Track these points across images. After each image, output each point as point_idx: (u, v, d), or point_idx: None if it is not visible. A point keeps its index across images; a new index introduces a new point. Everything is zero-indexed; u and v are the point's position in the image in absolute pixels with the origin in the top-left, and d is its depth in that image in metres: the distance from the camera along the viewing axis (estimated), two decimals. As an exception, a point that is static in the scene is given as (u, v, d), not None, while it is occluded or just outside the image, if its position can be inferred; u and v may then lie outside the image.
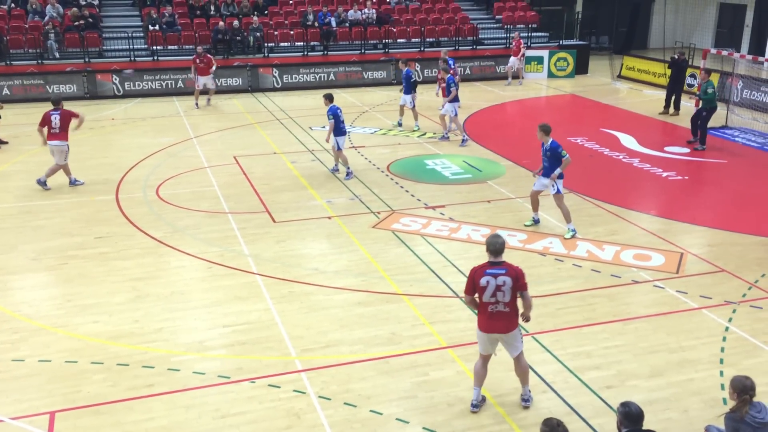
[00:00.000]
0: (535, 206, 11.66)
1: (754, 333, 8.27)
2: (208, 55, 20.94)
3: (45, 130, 13.37)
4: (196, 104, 20.86)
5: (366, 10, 25.84)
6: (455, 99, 16.49)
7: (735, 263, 10.17)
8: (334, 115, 13.75)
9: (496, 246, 6.53)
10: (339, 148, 14.03)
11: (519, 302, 6.67)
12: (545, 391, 7.19)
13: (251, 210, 12.37)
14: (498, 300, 6.49)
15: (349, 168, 14.10)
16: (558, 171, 10.87)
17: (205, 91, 21.05)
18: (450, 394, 7.15)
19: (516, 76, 24.89)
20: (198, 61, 20.52)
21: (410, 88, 18.02)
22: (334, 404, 6.98)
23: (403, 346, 8.04)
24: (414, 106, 18.16)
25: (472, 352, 7.83)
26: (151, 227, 11.55)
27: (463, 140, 16.70)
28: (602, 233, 11.28)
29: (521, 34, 26.45)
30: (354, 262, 10.29)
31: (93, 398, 7.08)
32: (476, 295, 6.58)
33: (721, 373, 7.46)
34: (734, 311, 8.79)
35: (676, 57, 20.01)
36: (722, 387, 7.22)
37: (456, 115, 16.70)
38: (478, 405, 6.89)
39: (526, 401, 6.92)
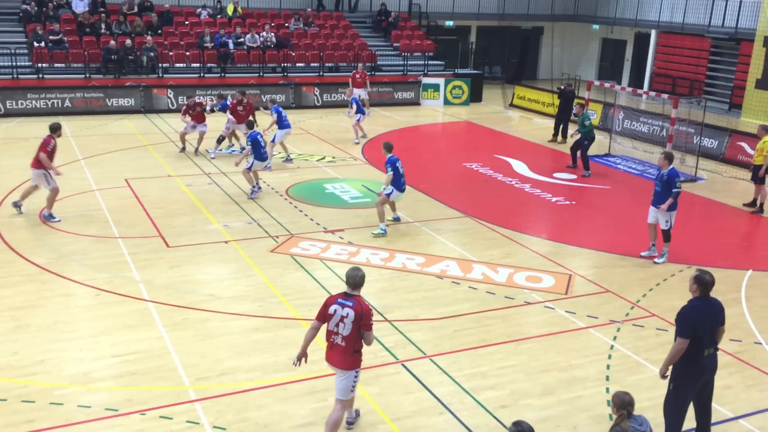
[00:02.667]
0: (392, 207, 12.82)
1: (637, 350, 8.71)
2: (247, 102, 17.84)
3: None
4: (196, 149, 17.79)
5: (264, 34, 25.70)
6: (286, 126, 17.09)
7: (619, 284, 10.71)
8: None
9: (354, 279, 6.43)
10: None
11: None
12: (442, 413, 7.27)
13: (143, 234, 11.94)
14: (338, 332, 6.35)
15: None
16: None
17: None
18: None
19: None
20: (241, 105, 17.35)
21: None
22: (229, 434, 6.78)
23: (301, 371, 7.92)
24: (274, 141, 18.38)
25: (371, 376, 7.83)
26: (33, 253, 10.92)
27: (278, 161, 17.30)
28: (497, 256, 11.61)
29: (419, 62, 27.18)
30: (251, 287, 10.10)
31: (-35, 438, 6.57)
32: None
33: (607, 389, 7.79)
34: (618, 330, 9.23)
35: (563, 88, 21.02)
36: (608, 403, 7.53)
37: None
38: (352, 422, 6.94)
39: None
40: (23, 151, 17.29)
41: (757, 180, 14.64)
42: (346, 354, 6.40)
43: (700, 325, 6.25)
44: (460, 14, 32.21)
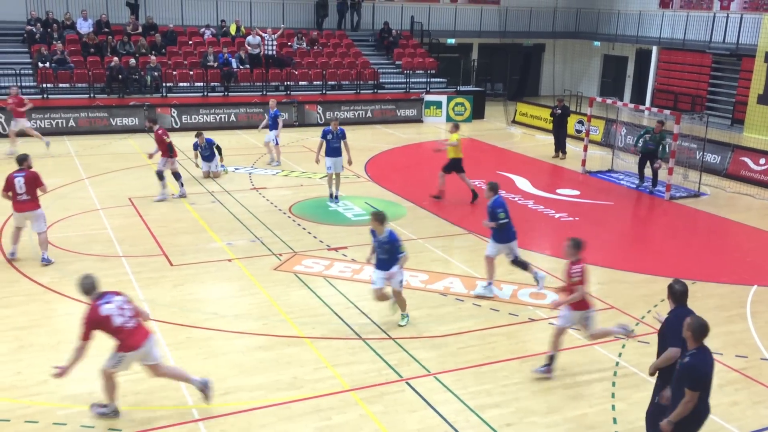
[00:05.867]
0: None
1: (642, 367, 8.65)
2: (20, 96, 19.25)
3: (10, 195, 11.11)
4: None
5: (266, 36, 25.79)
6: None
7: (623, 300, 10.67)
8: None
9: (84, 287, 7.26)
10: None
11: None
12: (447, 431, 7.22)
13: (147, 253, 11.95)
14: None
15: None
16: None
17: (22, 133, 19.30)
18: (353, 438, 7.06)
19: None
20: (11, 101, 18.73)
21: (275, 125, 18.60)
22: (233, 454, 6.74)
23: (305, 390, 7.91)
24: (278, 143, 18.81)
25: (375, 394, 7.80)
26: (36, 273, 10.93)
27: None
28: (500, 273, 11.56)
29: (421, 79, 27.35)
30: (255, 305, 10.09)
31: (-33, 459, 6.54)
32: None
33: (613, 407, 7.74)
34: (623, 346, 9.18)
35: (555, 106, 21.21)
36: (615, 421, 7.49)
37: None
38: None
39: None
40: (28, 170, 17.37)
41: None
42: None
43: (709, 377, 5.92)
44: (462, 32, 32.41)
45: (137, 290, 10.39)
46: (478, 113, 27.73)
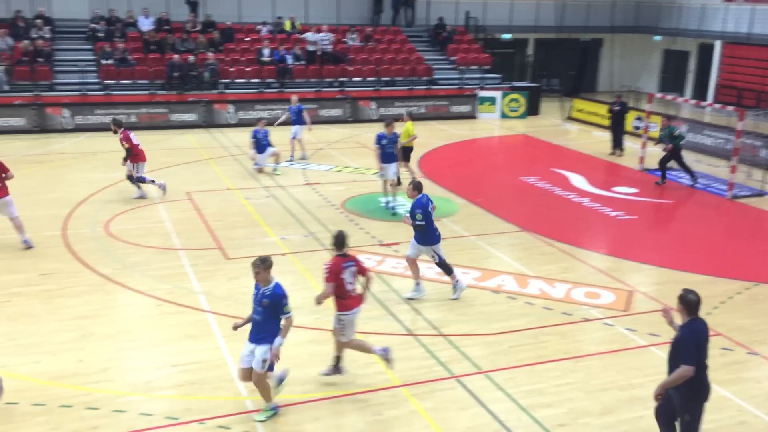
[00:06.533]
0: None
1: (701, 370, 8.42)
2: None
3: None
4: None
5: (322, 35, 26.04)
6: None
7: (682, 301, 10.38)
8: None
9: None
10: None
11: None
12: (498, 430, 7.18)
13: (203, 246, 12.20)
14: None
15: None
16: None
17: None
18: (403, 433, 7.08)
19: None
20: None
21: (300, 120, 18.44)
22: (285, 445, 6.84)
23: (356, 385, 7.96)
24: (295, 137, 18.71)
25: (426, 391, 7.80)
26: (99, 264, 11.28)
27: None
28: (554, 271, 11.44)
29: (475, 75, 27.15)
30: (307, 299, 10.15)
31: (33, 442, 6.80)
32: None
33: (670, 410, 7.56)
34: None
35: (613, 102, 20.79)
36: (671, 424, 7.31)
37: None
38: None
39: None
40: (90, 165, 17.97)
41: None
42: None
43: (703, 347, 6.11)
44: (518, 27, 32.02)
45: (193, 282, 10.62)
46: (533, 109, 27.40)
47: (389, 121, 14.22)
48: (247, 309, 9.69)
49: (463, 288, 10.36)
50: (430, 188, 16.36)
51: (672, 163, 17.23)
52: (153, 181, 15.18)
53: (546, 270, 11.47)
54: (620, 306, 10.19)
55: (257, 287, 7.10)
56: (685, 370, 5.98)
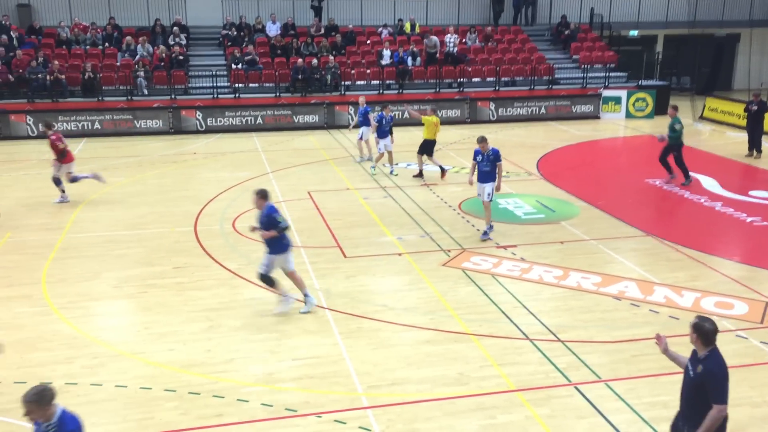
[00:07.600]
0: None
1: None
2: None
3: None
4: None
5: (449, 37, 26.13)
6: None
7: (826, 315, 9.62)
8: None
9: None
10: None
11: None
12: (618, 442, 6.93)
13: (323, 244, 12.54)
14: None
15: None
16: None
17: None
18: (518, 439, 6.98)
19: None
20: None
21: (367, 122, 18.32)
22: (399, 443, 6.92)
23: (470, 387, 7.93)
24: (362, 138, 18.73)
25: (542, 397, 7.65)
26: (226, 259, 11.85)
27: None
28: (682, 279, 10.89)
29: (599, 74, 26.27)
30: (423, 300, 10.25)
31: (164, 425, 7.24)
32: None
33: (810, 432, 7.02)
34: None
35: (751, 101, 19.50)
36: (811, 447, 6.79)
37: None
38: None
39: None
40: (220, 164, 18.90)
41: None
42: None
43: (728, 380, 5.53)
44: (646, 23, 30.71)
45: (313, 279, 10.94)
46: (661, 109, 26.13)
47: (482, 139, 12.62)
48: (363, 307, 9.90)
49: (290, 302, 9.79)
50: (549, 190, 16.02)
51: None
52: (88, 176, 15.15)
53: (673, 277, 10.94)
54: (755, 318, 9.56)
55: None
56: (719, 411, 5.43)
